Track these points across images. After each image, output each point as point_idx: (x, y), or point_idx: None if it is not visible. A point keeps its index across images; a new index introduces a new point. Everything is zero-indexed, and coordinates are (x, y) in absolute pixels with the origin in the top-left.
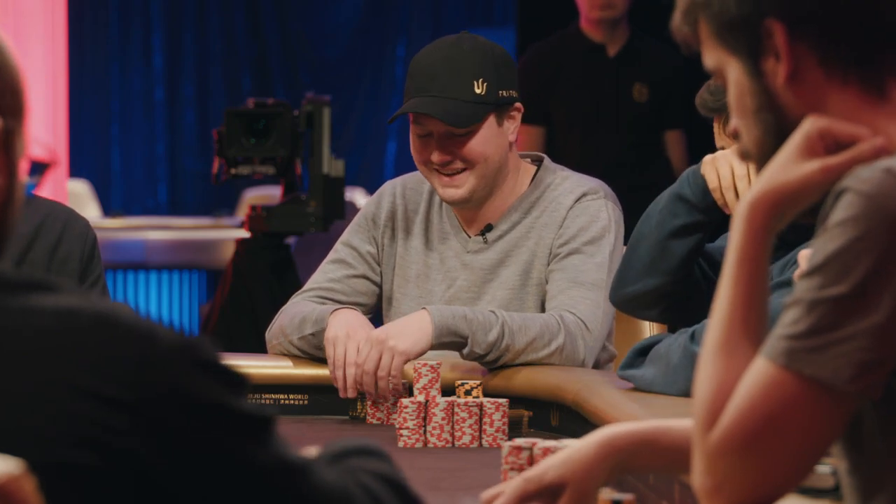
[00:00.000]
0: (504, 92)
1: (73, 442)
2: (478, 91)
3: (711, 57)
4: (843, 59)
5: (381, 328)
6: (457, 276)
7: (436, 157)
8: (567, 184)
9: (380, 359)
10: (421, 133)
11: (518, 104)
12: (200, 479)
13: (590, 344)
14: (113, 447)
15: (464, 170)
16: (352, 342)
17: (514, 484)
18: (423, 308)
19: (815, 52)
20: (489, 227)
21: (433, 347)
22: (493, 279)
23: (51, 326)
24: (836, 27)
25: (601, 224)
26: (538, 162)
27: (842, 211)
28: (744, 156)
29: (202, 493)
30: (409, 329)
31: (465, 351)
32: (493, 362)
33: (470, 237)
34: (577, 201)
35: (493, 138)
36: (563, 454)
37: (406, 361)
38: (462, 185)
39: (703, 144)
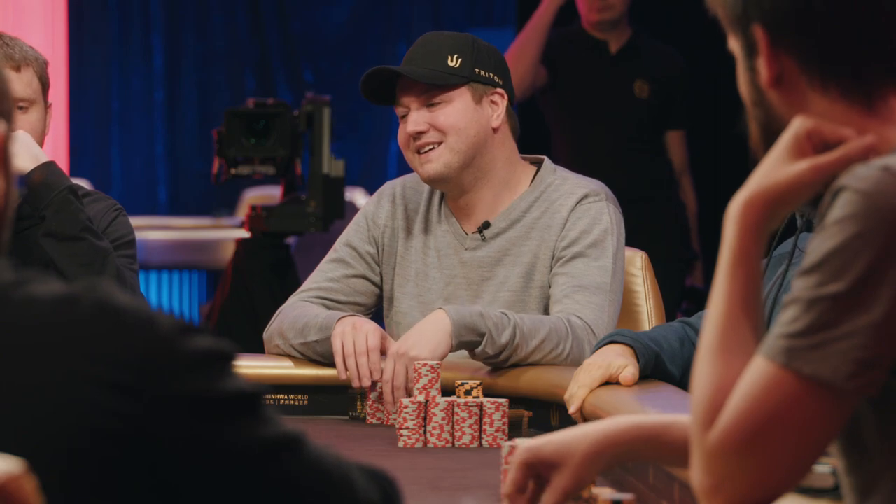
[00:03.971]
0: (481, 71)
1: (81, 430)
2: (451, 64)
3: (731, 42)
4: (820, 69)
5: (401, 339)
6: (455, 273)
7: (410, 126)
8: (567, 185)
9: (406, 372)
10: (401, 113)
11: (501, 90)
12: (201, 460)
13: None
14: (120, 433)
15: (439, 143)
16: (360, 333)
17: (515, 457)
18: (440, 308)
19: (795, 60)
20: (486, 225)
21: (454, 348)
22: (490, 277)
23: (52, 316)
24: (812, 40)
25: (603, 227)
26: (538, 164)
27: (840, 209)
28: (752, 144)
29: (204, 474)
30: (428, 334)
31: (478, 350)
32: (501, 363)
33: (467, 234)
34: (578, 203)
35: (468, 112)
36: (568, 434)
37: None
38: (437, 160)
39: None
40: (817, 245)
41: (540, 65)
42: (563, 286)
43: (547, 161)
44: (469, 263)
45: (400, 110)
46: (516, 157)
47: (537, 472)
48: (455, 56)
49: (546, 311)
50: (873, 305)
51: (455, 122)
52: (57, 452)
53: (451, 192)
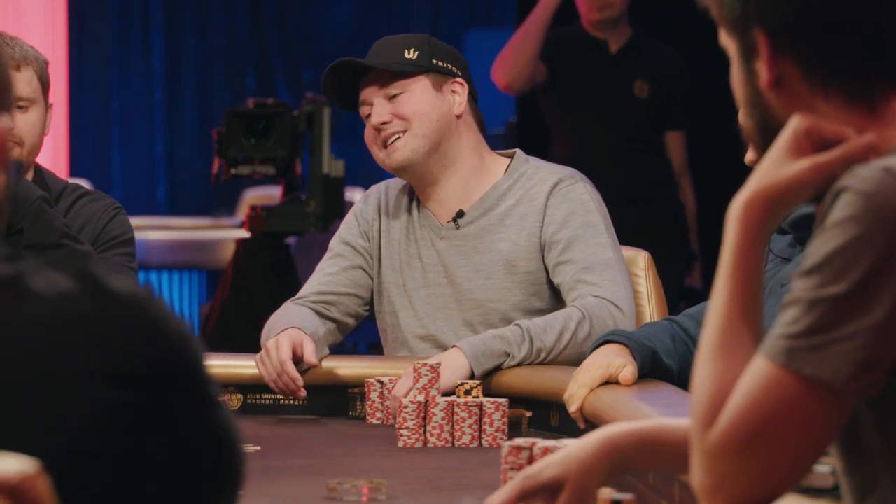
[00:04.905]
0: (439, 62)
1: (87, 428)
2: (408, 56)
3: (723, 38)
4: (822, 75)
5: None
6: (433, 262)
7: (374, 118)
8: (541, 173)
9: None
10: (365, 113)
11: (460, 80)
12: (182, 446)
13: (621, 320)
14: (122, 426)
15: (404, 132)
16: (269, 355)
17: (513, 482)
18: (454, 346)
19: (797, 65)
20: (461, 213)
21: (479, 377)
22: (466, 265)
23: (51, 313)
24: (815, 46)
25: (587, 206)
26: (511, 157)
27: (841, 210)
28: (748, 140)
29: (199, 461)
30: (447, 374)
31: (504, 365)
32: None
33: (442, 225)
34: (553, 188)
35: (430, 99)
36: (564, 452)
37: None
38: (404, 147)
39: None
40: (818, 246)
41: (539, 61)
42: (570, 273)
43: (519, 152)
44: (445, 252)
45: (364, 109)
46: (484, 148)
47: (539, 497)
48: (412, 49)
49: (538, 298)
50: (874, 307)
51: (417, 109)
52: (68, 454)
53: (420, 182)
